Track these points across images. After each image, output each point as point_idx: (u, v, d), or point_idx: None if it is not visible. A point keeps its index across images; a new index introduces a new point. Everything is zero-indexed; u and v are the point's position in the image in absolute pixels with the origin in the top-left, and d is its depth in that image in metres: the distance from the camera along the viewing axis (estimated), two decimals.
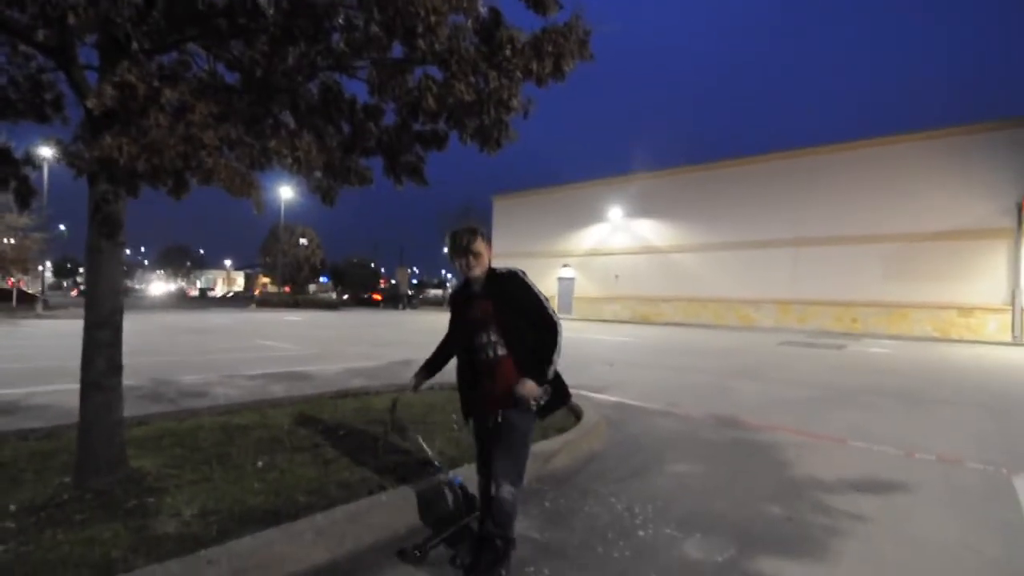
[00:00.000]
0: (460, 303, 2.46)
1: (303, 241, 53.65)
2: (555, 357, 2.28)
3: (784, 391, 7.60)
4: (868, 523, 3.08)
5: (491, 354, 2.31)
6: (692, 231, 26.32)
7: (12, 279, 24.59)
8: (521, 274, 2.37)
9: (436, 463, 3.17)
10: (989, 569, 2.59)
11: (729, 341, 16.31)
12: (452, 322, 2.53)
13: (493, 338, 2.30)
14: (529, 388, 2.19)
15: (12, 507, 2.66)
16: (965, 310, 19.01)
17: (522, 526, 2.82)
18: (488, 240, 2.39)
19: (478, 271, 2.33)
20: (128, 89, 2.48)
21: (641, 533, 2.87)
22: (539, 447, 3.75)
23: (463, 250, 2.32)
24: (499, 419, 2.28)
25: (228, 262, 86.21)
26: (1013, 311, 17.90)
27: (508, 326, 2.29)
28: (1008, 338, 17.83)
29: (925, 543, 2.86)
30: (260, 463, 3.42)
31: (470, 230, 2.37)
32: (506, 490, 2.20)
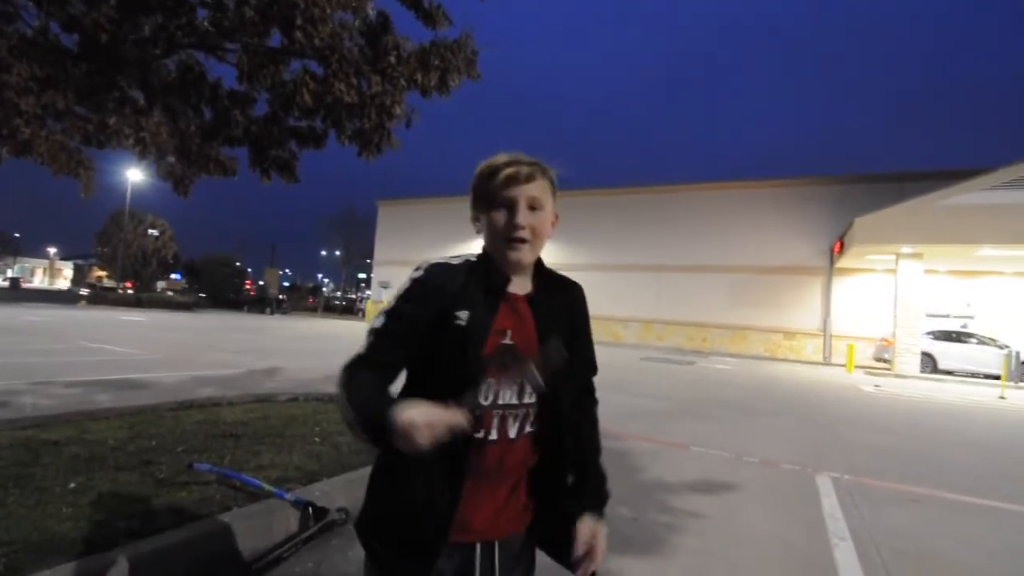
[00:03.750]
0: (458, 300, 1.08)
1: (153, 231, 47.44)
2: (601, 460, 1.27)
3: (642, 402, 8.31)
4: (703, 520, 3.49)
5: (510, 430, 1.09)
6: (568, 251, 27.84)
7: None
8: (583, 291, 1.29)
9: (272, 490, 2.96)
10: (793, 556, 3.05)
11: (598, 355, 17.42)
12: (408, 339, 1.08)
13: (524, 396, 1.10)
14: (599, 534, 1.15)
15: None
16: (789, 334, 22.36)
17: None
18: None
19: (530, 251, 1.12)
20: None
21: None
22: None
23: (512, 182, 1.10)
24: (509, 566, 1.15)
25: (52, 250, 73.42)
26: (824, 336, 21.44)
27: (559, 377, 1.09)
28: (820, 359, 21.29)
29: (747, 536, 3.30)
30: (73, 484, 2.94)
31: (542, 163, 1.16)
32: None
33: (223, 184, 3.34)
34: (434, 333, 1.05)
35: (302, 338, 17.02)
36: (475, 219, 1.17)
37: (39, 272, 70.26)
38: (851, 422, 7.74)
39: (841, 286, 21.59)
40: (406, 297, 1.09)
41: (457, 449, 1.01)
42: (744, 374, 14.59)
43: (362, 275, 56.77)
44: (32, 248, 75.57)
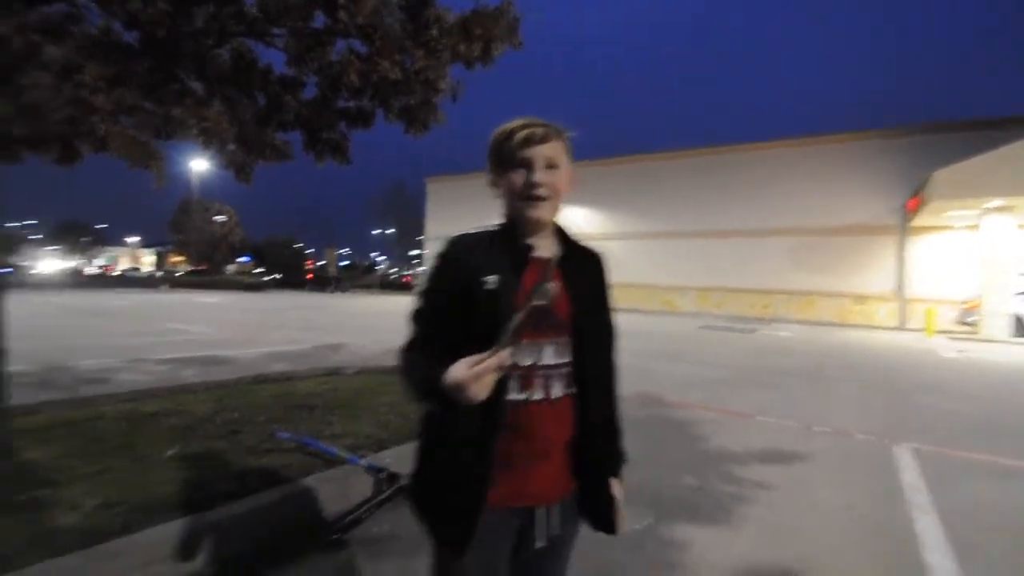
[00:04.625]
0: (483, 267, 1.11)
1: (220, 217, 50.26)
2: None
3: (702, 371, 8.12)
4: (771, 490, 3.40)
5: (552, 390, 1.13)
6: (620, 220, 27.21)
7: None
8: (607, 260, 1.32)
9: (345, 455, 3.13)
10: (870, 529, 2.93)
11: (653, 325, 17.12)
12: (445, 313, 1.12)
13: (562, 358, 1.14)
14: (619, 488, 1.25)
15: None
16: (860, 298, 21.03)
17: None
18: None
19: (549, 208, 1.15)
20: (2, 43, 2.22)
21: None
22: None
23: (528, 143, 1.12)
24: (558, 528, 1.18)
25: (134, 239, 79.33)
26: (899, 300, 20.03)
27: (589, 341, 1.18)
28: (895, 324, 19.95)
29: (817, 507, 3.19)
30: (171, 451, 3.23)
31: (556, 126, 1.17)
32: None
33: (280, 169, 3.47)
34: (466, 302, 1.09)
35: (362, 315, 17.68)
36: (493, 183, 1.20)
37: (123, 260, 76.17)
38: (931, 390, 7.25)
39: (916, 246, 19.95)
40: (433, 274, 1.15)
41: (495, 415, 1.06)
42: (811, 341, 13.94)
43: (414, 252, 58.00)
44: (116, 237, 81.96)
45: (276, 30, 2.75)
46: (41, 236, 73.16)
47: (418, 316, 1.15)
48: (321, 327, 12.91)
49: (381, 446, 3.49)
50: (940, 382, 7.89)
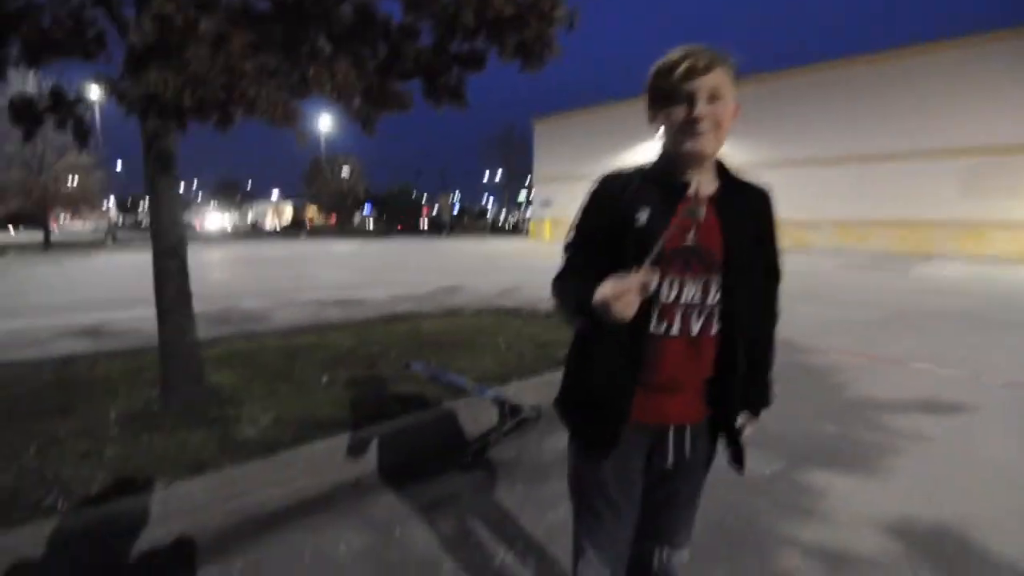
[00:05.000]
0: (636, 203, 1.13)
1: (345, 171, 54.12)
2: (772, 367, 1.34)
3: (843, 314, 7.39)
4: (925, 443, 3.09)
5: (692, 326, 1.14)
6: (743, 148, 24.73)
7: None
8: (773, 198, 1.26)
9: (473, 387, 3.35)
10: None
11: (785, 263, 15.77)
12: (596, 247, 1.17)
13: (709, 296, 1.14)
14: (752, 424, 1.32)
15: (112, 415, 3.04)
16: None
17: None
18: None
19: (712, 141, 1.11)
20: (167, 20, 2.50)
21: None
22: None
23: (691, 74, 1.07)
24: (688, 451, 1.23)
25: (275, 193, 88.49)
26: None
27: (742, 281, 1.15)
28: None
29: (980, 462, 2.85)
30: (324, 379, 3.71)
31: (720, 52, 1.10)
32: (680, 557, 1.35)
33: (398, 120, 3.60)
34: (617, 238, 1.12)
35: (475, 257, 18.38)
36: (652, 119, 1.16)
37: (269, 212, 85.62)
38: None
39: None
40: (585, 211, 1.20)
41: (638, 338, 1.13)
42: (980, 279, 11.97)
43: (520, 197, 58.22)
44: (260, 192, 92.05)
45: None
46: (201, 195, 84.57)
47: (569, 249, 1.21)
48: (438, 269, 13.67)
49: (503, 380, 3.70)
50: None
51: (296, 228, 45.88)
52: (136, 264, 14.95)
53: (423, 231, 43.32)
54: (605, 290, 0.99)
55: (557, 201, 30.89)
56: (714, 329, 1.16)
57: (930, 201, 19.65)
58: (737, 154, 25.09)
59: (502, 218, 63.92)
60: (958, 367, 4.66)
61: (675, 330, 1.13)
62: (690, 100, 1.07)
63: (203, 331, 4.75)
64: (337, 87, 2.72)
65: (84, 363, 4.13)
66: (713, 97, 1.08)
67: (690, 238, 1.11)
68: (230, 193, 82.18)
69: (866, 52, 21.50)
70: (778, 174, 23.70)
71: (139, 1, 2.95)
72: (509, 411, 3.06)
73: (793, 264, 13.09)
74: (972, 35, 19.00)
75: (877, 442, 3.09)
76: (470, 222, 56.63)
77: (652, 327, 1.12)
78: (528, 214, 44.47)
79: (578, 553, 1.28)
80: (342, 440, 2.66)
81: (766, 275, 1.27)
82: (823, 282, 11.38)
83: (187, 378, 3.37)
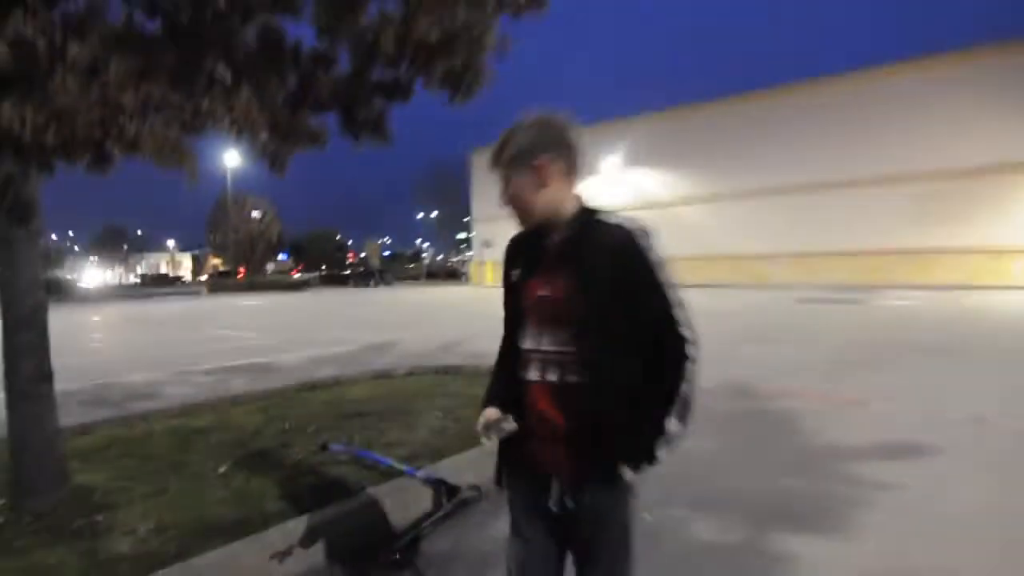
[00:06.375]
0: (515, 261, 1.44)
1: (256, 214, 52.63)
2: (677, 417, 1.33)
3: (801, 354, 7.74)
4: (896, 491, 3.17)
5: (548, 374, 1.32)
6: (698, 180, 26.23)
7: None
8: (643, 235, 1.31)
9: (404, 468, 3.18)
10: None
11: (742, 301, 16.52)
12: (505, 299, 1.48)
13: (557, 344, 1.31)
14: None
15: None
16: (995, 254, 19.33)
17: None
18: (557, 151, 1.33)
19: (521, 214, 1.37)
20: (25, 47, 2.34)
21: (646, 516, 2.92)
22: None
23: (497, 159, 1.36)
24: (569, 499, 1.34)
25: (171, 242, 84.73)
26: None
27: (598, 328, 1.28)
28: None
29: (958, 512, 2.95)
30: (222, 469, 3.40)
31: (502, 146, 1.36)
32: None
33: (316, 157, 3.52)
34: (509, 294, 1.46)
35: (409, 308, 18.12)
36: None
37: (162, 265, 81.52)
38: None
39: None
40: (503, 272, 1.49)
41: (517, 384, 1.39)
42: (934, 310, 13.00)
43: (460, 236, 58.68)
44: (153, 242, 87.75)
45: (302, 1, 2.77)
46: (79, 248, 79.59)
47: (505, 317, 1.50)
48: (367, 323, 13.31)
49: (439, 455, 3.53)
50: None
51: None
52: None
53: (349, 281, 42.16)
54: (483, 416, 1.39)
55: (498, 242, 31.27)
56: (576, 378, 1.28)
57: (879, 230, 21.39)
58: (686, 187, 26.59)
59: (439, 260, 63.92)
60: (919, 405, 4.93)
61: (535, 375, 1.34)
62: (500, 183, 1.38)
63: (73, 416, 4.32)
64: (237, 122, 2.62)
65: None
66: (506, 180, 1.35)
67: (545, 288, 1.33)
68: (115, 243, 77.84)
69: (814, 77, 23.64)
70: (731, 207, 25.25)
71: None
72: (445, 493, 2.90)
73: (751, 301, 13.75)
74: (920, 60, 21.22)
75: (844, 496, 3.14)
76: (402, 268, 56.12)
77: (520, 373, 1.38)
78: (468, 255, 44.71)
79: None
80: (240, 547, 2.40)
81: (626, 321, 1.29)
82: (782, 320, 11.97)
83: (46, 479, 3.00)
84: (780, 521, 2.86)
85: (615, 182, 28.95)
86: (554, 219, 1.34)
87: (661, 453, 1.32)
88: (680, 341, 1.33)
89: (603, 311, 1.27)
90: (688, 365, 1.34)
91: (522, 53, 2.97)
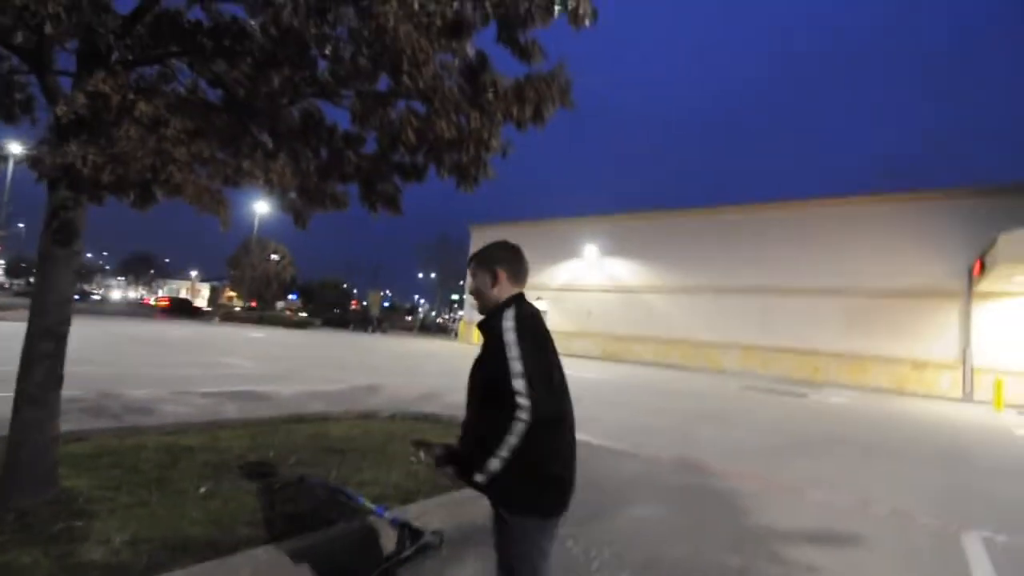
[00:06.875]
0: None
1: (275, 256, 52.64)
2: (498, 456, 1.58)
3: (748, 437, 7.69)
4: (822, 575, 3.11)
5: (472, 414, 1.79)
6: (665, 273, 26.90)
7: None
8: (509, 319, 1.68)
9: (374, 508, 3.08)
10: None
11: (696, 383, 16.51)
12: None
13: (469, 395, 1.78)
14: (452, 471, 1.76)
15: None
16: (919, 364, 19.74)
17: (473, 568, 2.75)
18: (505, 262, 1.85)
19: (478, 306, 1.86)
20: (101, 99, 2.46)
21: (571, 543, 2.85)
22: None
23: (469, 264, 1.92)
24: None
25: (194, 273, 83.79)
26: (964, 369, 18.66)
27: (472, 385, 1.76)
28: (959, 394, 18.52)
29: None
30: (203, 489, 3.26)
31: (478, 253, 1.90)
32: None
33: (334, 214, 3.62)
34: None
35: (400, 357, 17.86)
36: None
37: (183, 291, 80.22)
38: (1003, 472, 6.61)
39: (983, 311, 18.69)
40: None
41: None
42: (865, 409, 13.07)
43: (455, 296, 58.82)
44: (178, 271, 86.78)
45: (343, 92, 2.94)
46: (110, 267, 78.39)
47: None
48: (360, 366, 13.07)
49: (407, 498, 3.42)
50: (1014, 464, 7.19)
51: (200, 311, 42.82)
52: (11, 335, 13.21)
53: (350, 325, 41.74)
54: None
55: None
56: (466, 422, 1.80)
57: (820, 334, 21.87)
58: (653, 278, 27.18)
59: (433, 316, 63.59)
60: (848, 494, 4.89)
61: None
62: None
63: (72, 422, 4.15)
64: (271, 183, 2.72)
65: None
66: (471, 284, 1.87)
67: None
68: (142, 267, 76.85)
69: (776, 199, 24.96)
70: (694, 299, 25.77)
71: (78, 75, 2.90)
72: (409, 536, 2.79)
73: (704, 384, 13.71)
74: (853, 195, 22.55)
75: (776, 575, 3.07)
76: (399, 319, 55.75)
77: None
78: (459, 314, 44.60)
79: None
80: (207, 569, 2.28)
81: (492, 400, 1.61)
82: (730, 404, 11.95)
83: (34, 480, 2.86)
84: None
85: (594, 266, 29.60)
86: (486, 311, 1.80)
87: (479, 478, 1.63)
88: (507, 397, 1.57)
89: (476, 374, 1.75)
90: (516, 424, 1.56)
91: (522, 152, 3.14)
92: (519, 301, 1.76)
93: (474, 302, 1.84)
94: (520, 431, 1.55)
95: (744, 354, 23.74)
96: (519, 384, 1.56)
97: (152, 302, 61.80)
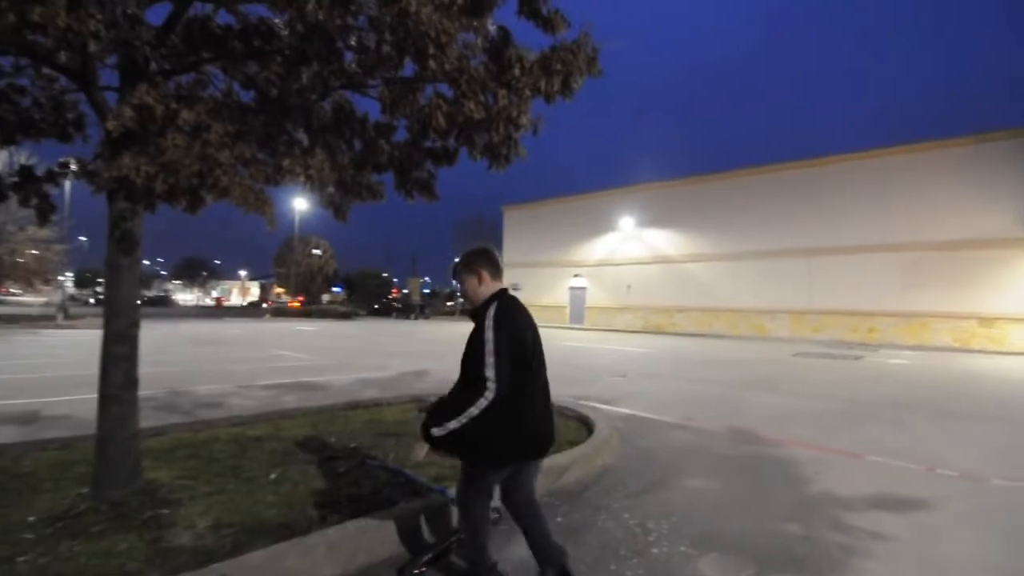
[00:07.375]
0: None
1: (317, 251, 54.23)
2: (458, 420, 2.02)
3: (801, 404, 7.48)
4: (890, 542, 3.02)
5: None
6: (705, 241, 26.16)
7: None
8: (490, 316, 2.08)
9: (434, 487, 3.18)
10: None
11: (743, 352, 16.12)
12: None
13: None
14: (417, 445, 2.32)
15: (31, 518, 2.71)
16: (987, 320, 18.61)
17: None
18: (485, 264, 2.25)
19: (467, 300, 2.27)
20: (146, 110, 2.55)
21: (655, 551, 2.83)
22: (551, 461, 3.73)
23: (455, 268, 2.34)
24: None
25: (243, 272, 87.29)
26: None
27: (462, 363, 2.15)
28: None
29: (951, 563, 2.79)
30: (273, 475, 3.45)
31: (461, 260, 2.31)
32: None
33: (370, 205, 3.68)
34: None
35: (443, 341, 18.17)
36: None
37: (234, 291, 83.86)
38: None
39: None
40: None
41: None
42: (928, 369, 12.47)
43: None
44: (228, 272, 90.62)
45: (371, 82, 2.96)
46: (166, 272, 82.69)
47: None
48: (406, 353, 13.40)
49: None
50: None
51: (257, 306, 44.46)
52: (86, 342, 14.18)
53: (393, 313, 42.71)
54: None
55: (526, 286, 31.51)
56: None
57: (876, 293, 20.86)
58: (693, 246, 26.47)
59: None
60: (912, 460, 4.69)
61: None
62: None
63: (149, 419, 4.44)
64: (311, 178, 2.78)
65: (9, 455, 3.74)
66: (460, 286, 2.27)
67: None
68: (194, 271, 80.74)
69: (822, 154, 23.62)
70: (736, 266, 25.00)
71: (121, 89, 3.03)
72: None
73: (751, 352, 13.39)
74: (905, 144, 21.18)
75: (843, 544, 2.99)
76: (440, 304, 56.66)
77: None
78: None
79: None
80: (286, 548, 2.42)
81: (468, 376, 2.07)
82: (781, 371, 11.63)
83: (122, 473, 3.08)
84: (785, 565, 2.74)
85: (631, 238, 29.06)
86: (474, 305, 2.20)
87: (435, 431, 2.08)
88: (480, 376, 1.98)
89: (464, 354, 2.12)
90: (481, 400, 1.96)
91: (550, 129, 3.09)
92: (501, 297, 2.17)
93: (464, 296, 2.27)
94: (483, 406, 1.96)
95: (793, 319, 22.97)
96: (490, 371, 1.96)
97: (225, 303, 64.31)
